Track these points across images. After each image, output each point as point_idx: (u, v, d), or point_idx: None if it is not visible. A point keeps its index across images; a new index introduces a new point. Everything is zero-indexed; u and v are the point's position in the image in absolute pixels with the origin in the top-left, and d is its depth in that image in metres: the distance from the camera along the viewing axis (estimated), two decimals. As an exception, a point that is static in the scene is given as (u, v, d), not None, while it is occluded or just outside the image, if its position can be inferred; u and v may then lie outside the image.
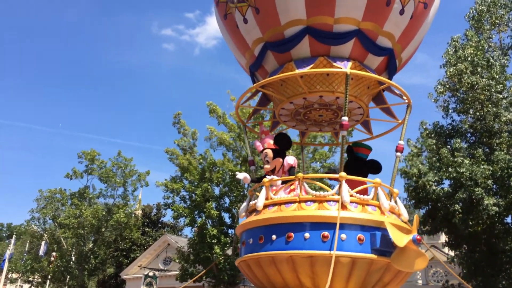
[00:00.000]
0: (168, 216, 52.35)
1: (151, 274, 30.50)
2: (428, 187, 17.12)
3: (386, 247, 5.79)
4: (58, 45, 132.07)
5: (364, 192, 6.47)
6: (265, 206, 6.56)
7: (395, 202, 6.85)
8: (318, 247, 5.77)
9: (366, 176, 7.26)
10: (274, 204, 6.48)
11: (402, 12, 7.02)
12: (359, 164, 7.52)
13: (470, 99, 17.88)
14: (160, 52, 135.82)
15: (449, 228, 17.92)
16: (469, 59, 18.05)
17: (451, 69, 18.17)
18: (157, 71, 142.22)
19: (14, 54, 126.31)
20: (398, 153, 7.25)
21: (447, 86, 18.94)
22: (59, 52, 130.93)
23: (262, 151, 7.20)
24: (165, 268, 32.93)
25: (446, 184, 17.95)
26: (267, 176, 6.99)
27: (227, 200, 24.60)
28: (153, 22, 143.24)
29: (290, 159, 7.11)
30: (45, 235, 36.46)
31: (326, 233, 5.80)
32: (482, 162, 16.40)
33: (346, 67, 6.90)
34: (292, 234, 5.95)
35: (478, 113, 17.96)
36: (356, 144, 8.28)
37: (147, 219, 40.63)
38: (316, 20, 6.91)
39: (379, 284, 6.05)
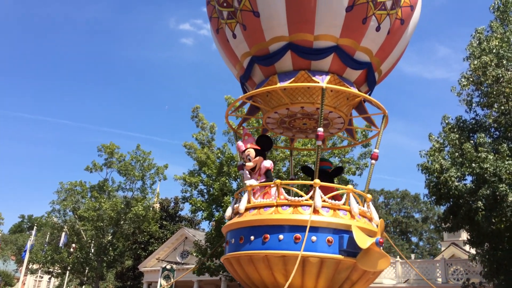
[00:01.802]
0: (185, 210, 52.66)
1: (168, 267, 30.67)
2: (450, 183, 16.79)
3: (353, 249, 6.25)
4: (79, 41, 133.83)
5: (338, 197, 7.00)
6: (247, 209, 7.11)
7: (368, 207, 7.35)
8: (291, 247, 6.31)
9: (333, 183, 7.99)
10: (254, 208, 7.04)
11: (378, 29, 7.52)
12: (324, 175, 8.05)
13: (494, 92, 17.43)
14: (178, 47, 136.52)
15: (471, 225, 17.56)
16: (494, 51, 17.57)
17: (475, 62, 17.72)
18: (175, 66, 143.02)
19: (37, 51, 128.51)
20: (373, 161, 7.75)
21: (471, 79, 18.47)
22: (80, 48, 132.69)
23: (244, 151, 7.67)
24: (182, 262, 33.09)
25: (468, 180, 17.66)
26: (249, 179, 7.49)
27: (244, 194, 24.49)
28: (171, 17, 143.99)
29: (267, 163, 7.58)
30: (65, 227, 36.99)
31: (298, 235, 6.33)
32: (507, 158, 15.98)
33: (324, 81, 7.42)
34: (268, 235, 6.50)
35: (503, 107, 17.49)
36: (320, 159, 8.84)
37: (165, 213, 40.84)
38: (297, 36, 7.47)
39: (348, 282, 6.57)
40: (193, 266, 24.98)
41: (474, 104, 18.93)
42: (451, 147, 18.46)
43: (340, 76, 7.85)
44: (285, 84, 7.49)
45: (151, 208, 37.63)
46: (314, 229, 6.36)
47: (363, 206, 7.30)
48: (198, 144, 25.52)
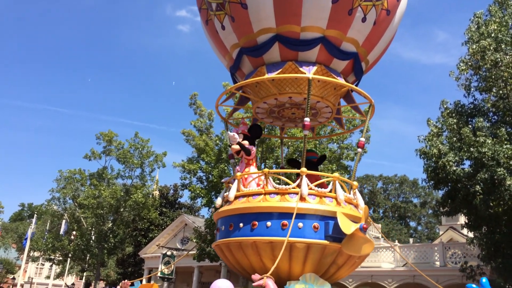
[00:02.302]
0: (185, 197, 52.89)
1: (169, 253, 30.89)
2: (448, 167, 16.83)
3: (338, 234, 6.43)
4: (76, 29, 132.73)
5: (325, 185, 7.21)
6: (236, 197, 7.29)
7: (354, 194, 7.54)
8: (278, 234, 6.51)
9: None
10: (243, 196, 7.23)
11: (364, 19, 7.64)
12: (309, 165, 8.26)
13: (493, 77, 17.33)
14: (175, 34, 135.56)
15: (469, 209, 17.63)
16: (492, 35, 17.48)
17: (474, 46, 17.63)
18: (173, 53, 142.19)
19: (33, 39, 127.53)
20: (359, 149, 8.01)
21: (470, 64, 18.39)
22: (76, 36, 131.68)
23: (233, 137, 7.86)
24: (182, 248, 33.34)
25: (466, 165, 17.71)
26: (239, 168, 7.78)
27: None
28: (168, 4, 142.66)
29: (247, 143, 7.81)
30: (65, 215, 37.14)
31: (285, 221, 6.53)
32: (505, 142, 16.02)
33: (310, 71, 7.56)
34: (256, 222, 6.70)
35: (501, 92, 17.42)
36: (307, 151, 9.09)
37: (164, 200, 41.04)
38: (284, 28, 7.59)
39: (334, 266, 6.80)
40: (193, 252, 25.17)
41: (472, 89, 18.87)
42: (449, 132, 18.47)
43: (327, 66, 7.98)
44: (273, 75, 7.64)
45: (150, 196, 37.76)
46: (301, 216, 6.56)
47: (350, 193, 7.50)
48: (196, 131, 25.49)
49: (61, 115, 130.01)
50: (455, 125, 18.00)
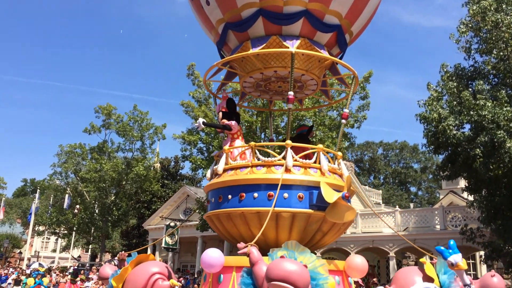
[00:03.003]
0: (186, 168, 53.05)
1: (172, 224, 31.24)
2: (448, 131, 16.81)
3: (322, 203, 6.66)
4: (71, 2, 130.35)
5: (311, 156, 7.39)
6: (225, 170, 7.55)
7: (339, 164, 7.79)
8: (264, 204, 6.74)
9: (309, 142, 8.47)
10: (231, 169, 7.48)
11: None
12: (301, 138, 8.63)
13: (493, 38, 17.18)
14: (170, 3, 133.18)
15: (469, 173, 17.70)
16: (493, -5, 17.11)
17: (474, 7, 17.30)
18: (169, 23, 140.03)
19: (28, 13, 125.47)
20: (343, 120, 8.21)
21: (470, 25, 18.10)
22: (72, 8, 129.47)
23: (218, 113, 8.32)
24: (185, 218, 33.72)
25: (467, 128, 17.63)
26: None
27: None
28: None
29: (227, 121, 8.05)
30: (68, 189, 37.42)
31: (271, 192, 6.76)
32: (505, 104, 15.96)
33: (293, 45, 7.66)
34: (244, 194, 6.96)
35: (502, 53, 17.26)
36: (298, 126, 9.45)
37: (166, 172, 41.24)
38: (267, 2, 7.62)
39: (319, 233, 7.08)
40: (196, 222, 25.43)
41: (473, 51, 18.58)
42: (449, 95, 18.34)
43: (311, 39, 8.06)
44: (257, 50, 7.77)
45: (152, 168, 37.96)
46: (286, 187, 6.81)
47: (334, 164, 7.75)
48: (195, 102, 25.37)
49: (60, 90, 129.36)
50: (455, 89, 17.84)
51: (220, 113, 8.16)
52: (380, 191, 40.05)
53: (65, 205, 37.50)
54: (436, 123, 17.43)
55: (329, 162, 7.56)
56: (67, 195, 37.53)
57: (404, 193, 65.13)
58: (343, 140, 23.32)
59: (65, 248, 49.90)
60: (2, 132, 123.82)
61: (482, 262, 20.94)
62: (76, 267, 29.49)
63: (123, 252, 6.26)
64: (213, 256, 5.68)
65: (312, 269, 5.07)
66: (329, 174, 7.30)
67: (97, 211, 36.95)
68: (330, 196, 6.58)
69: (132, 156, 36.98)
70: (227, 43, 8.61)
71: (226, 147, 7.76)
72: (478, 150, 16.12)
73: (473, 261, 25.57)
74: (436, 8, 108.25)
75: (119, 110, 37.08)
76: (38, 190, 42.88)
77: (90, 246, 48.12)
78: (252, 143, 7.48)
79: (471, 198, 19.85)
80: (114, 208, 36.54)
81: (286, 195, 6.80)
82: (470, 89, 17.56)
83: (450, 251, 5.23)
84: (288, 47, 7.65)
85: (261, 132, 23.57)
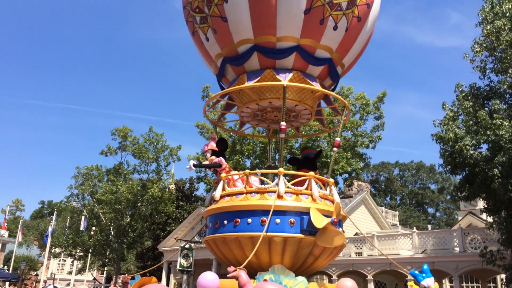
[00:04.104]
0: (201, 190, 53.13)
1: (187, 246, 31.11)
2: (465, 151, 16.58)
3: (312, 228, 7.01)
4: (87, 25, 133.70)
5: (302, 183, 7.76)
6: (222, 197, 7.99)
7: (330, 190, 8.16)
8: (258, 229, 7.14)
9: (315, 167, 8.89)
10: (228, 195, 7.92)
11: (335, 28, 8.17)
12: (307, 161, 9.03)
13: (508, 57, 17.04)
14: (185, 27, 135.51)
15: (488, 194, 17.36)
16: (507, 15, 17.07)
17: (488, 27, 17.24)
18: (183, 46, 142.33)
19: (46, 37, 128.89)
20: (335, 148, 8.59)
21: (484, 45, 18.00)
22: (87, 33, 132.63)
23: (205, 151, 8.71)
24: (200, 240, 33.55)
25: (484, 148, 17.34)
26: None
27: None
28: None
29: (216, 159, 8.51)
30: (85, 211, 37.67)
31: (264, 218, 7.17)
32: (523, 123, 15.66)
33: (286, 78, 8.18)
34: (239, 219, 7.38)
35: (517, 73, 17.04)
36: (304, 148, 9.66)
37: (180, 193, 41.27)
38: (261, 39, 8.22)
39: (311, 256, 7.43)
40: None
41: (488, 71, 18.52)
42: (465, 115, 18.14)
43: (303, 72, 8.54)
44: (251, 83, 8.29)
45: (167, 189, 38.07)
46: (278, 213, 7.21)
47: (326, 190, 8.14)
48: (210, 124, 25.55)
49: (77, 113, 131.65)
50: (471, 108, 17.66)
51: (208, 153, 8.58)
52: (397, 212, 39.52)
53: (81, 227, 37.72)
54: (452, 143, 17.22)
55: (321, 188, 8.01)
56: (83, 217, 37.76)
57: (421, 214, 64.17)
58: (358, 161, 23.15)
59: (81, 270, 49.98)
60: (21, 155, 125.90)
61: (503, 286, 20.35)
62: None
63: (126, 275, 6.58)
64: (208, 279, 6.02)
65: None
66: (320, 200, 7.65)
67: (112, 233, 37.04)
68: (319, 221, 6.89)
69: (147, 178, 37.22)
70: (226, 75, 9.13)
71: (223, 174, 8.14)
72: (496, 170, 15.86)
73: (494, 285, 24.92)
74: (450, 28, 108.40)
75: (135, 132, 37.47)
76: (55, 212, 43.25)
77: (105, 268, 48.08)
78: (247, 171, 7.88)
79: (490, 219, 19.43)
80: (129, 230, 36.62)
81: (278, 220, 7.18)
82: (486, 109, 17.39)
83: (424, 275, 5.53)
84: (281, 80, 8.11)
85: (275, 152, 23.59)
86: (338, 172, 23.22)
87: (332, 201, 7.97)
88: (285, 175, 7.73)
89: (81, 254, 40.33)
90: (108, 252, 37.91)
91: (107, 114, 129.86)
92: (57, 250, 43.25)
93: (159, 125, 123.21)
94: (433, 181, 68.63)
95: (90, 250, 38.14)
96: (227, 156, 24.39)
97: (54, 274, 55.94)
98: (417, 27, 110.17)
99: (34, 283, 54.90)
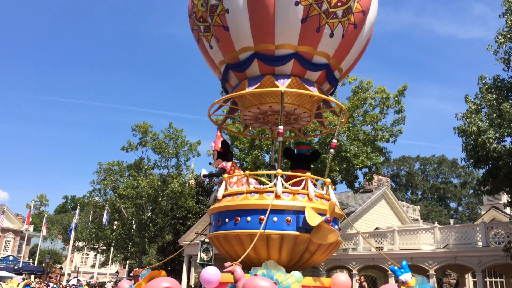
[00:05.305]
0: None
1: (207, 240, 31.33)
2: (488, 145, 16.27)
3: (308, 226, 7.44)
4: (109, 23, 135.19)
5: (300, 183, 8.16)
6: (224, 196, 8.50)
7: (327, 189, 8.58)
8: (256, 227, 7.58)
9: (310, 166, 9.28)
10: (229, 195, 8.42)
11: (332, 35, 8.54)
12: (302, 158, 9.41)
13: (533, 48, 16.57)
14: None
15: (512, 187, 17.03)
16: (532, 4, 16.64)
17: (512, 17, 16.84)
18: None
19: (71, 36, 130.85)
20: (332, 150, 9.09)
21: (508, 36, 17.58)
22: (108, 29, 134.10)
23: (213, 151, 9.22)
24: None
25: (508, 141, 16.99)
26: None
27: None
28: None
29: (224, 163, 8.95)
30: (107, 205, 38.29)
31: (262, 216, 7.59)
32: (548, 116, 15.29)
33: (284, 84, 8.65)
34: (239, 218, 7.85)
35: (542, 63, 16.63)
36: (298, 143, 10.28)
37: (200, 188, 41.59)
38: (261, 47, 8.68)
39: (307, 253, 7.89)
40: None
41: (512, 62, 18.10)
42: (488, 108, 17.75)
43: (301, 77, 8.96)
44: (251, 89, 8.76)
45: (186, 184, 38.40)
46: (276, 211, 7.65)
47: (323, 190, 8.57)
48: (229, 119, 25.61)
49: (99, 109, 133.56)
50: (494, 101, 17.34)
51: (214, 155, 9.06)
52: (418, 207, 39.07)
53: (104, 221, 38.39)
54: (475, 136, 16.91)
55: (318, 188, 8.42)
56: (105, 212, 38.41)
57: (443, 209, 63.36)
58: (378, 155, 22.94)
59: (104, 264, 50.88)
60: (45, 151, 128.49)
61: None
62: (113, 282, 29.99)
63: (137, 268, 7.00)
64: (211, 273, 6.38)
65: (286, 286, 5.86)
66: (316, 199, 8.04)
67: (134, 227, 37.59)
68: (313, 219, 7.30)
69: (167, 173, 37.61)
70: (229, 80, 9.64)
71: (226, 175, 8.65)
72: (520, 163, 15.55)
73: (518, 280, 24.42)
74: (473, 19, 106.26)
75: (155, 128, 37.85)
76: (78, 207, 44.07)
77: (127, 262, 48.86)
78: (247, 172, 8.39)
79: (514, 213, 19.08)
80: (150, 224, 37.13)
81: (275, 219, 7.62)
82: (510, 101, 17.02)
83: (402, 270, 6.16)
84: (279, 86, 8.56)
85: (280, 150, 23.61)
86: (358, 167, 23.04)
87: (329, 200, 8.30)
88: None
89: (104, 247, 41.07)
90: (130, 246, 38.52)
91: (128, 110, 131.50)
92: (81, 243, 44.09)
93: (178, 121, 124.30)
94: (456, 175, 67.63)
95: (113, 244, 38.81)
96: (246, 151, 24.47)
97: (78, 267, 57.08)
98: (439, 19, 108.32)
99: (59, 276, 56.14)
